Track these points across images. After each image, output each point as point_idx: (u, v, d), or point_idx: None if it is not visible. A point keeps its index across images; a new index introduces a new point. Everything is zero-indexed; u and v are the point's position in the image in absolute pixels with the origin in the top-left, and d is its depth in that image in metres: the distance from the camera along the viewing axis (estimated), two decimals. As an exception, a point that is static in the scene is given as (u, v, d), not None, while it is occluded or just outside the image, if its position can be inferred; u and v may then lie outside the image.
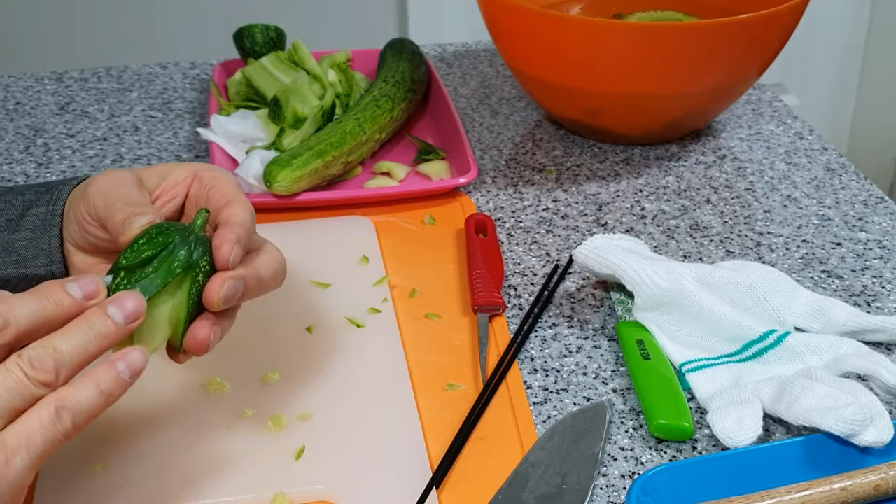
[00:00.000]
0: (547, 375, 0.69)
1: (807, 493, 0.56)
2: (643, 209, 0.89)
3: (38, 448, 0.47)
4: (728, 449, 0.60)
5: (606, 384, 0.68)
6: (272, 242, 0.61)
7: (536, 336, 0.73)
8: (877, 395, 0.64)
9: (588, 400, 0.67)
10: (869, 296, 0.77)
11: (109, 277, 0.54)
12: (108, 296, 0.53)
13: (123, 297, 0.52)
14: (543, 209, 0.89)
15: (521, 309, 0.76)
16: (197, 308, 0.56)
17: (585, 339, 0.73)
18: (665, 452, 0.63)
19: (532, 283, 0.79)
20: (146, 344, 0.54)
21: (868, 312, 0.75)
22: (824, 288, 0.78)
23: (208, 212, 0.57)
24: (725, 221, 0.87)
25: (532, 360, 0.71)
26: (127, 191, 0.58)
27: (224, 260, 0.55)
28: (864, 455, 0.59)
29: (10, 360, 0.48)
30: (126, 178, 0.60)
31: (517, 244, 0.84)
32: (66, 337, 0.49)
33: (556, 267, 0.80)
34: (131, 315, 0.52)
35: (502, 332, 0.73)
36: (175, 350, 0.57)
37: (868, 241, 0.84)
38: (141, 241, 0.54)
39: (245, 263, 0.57)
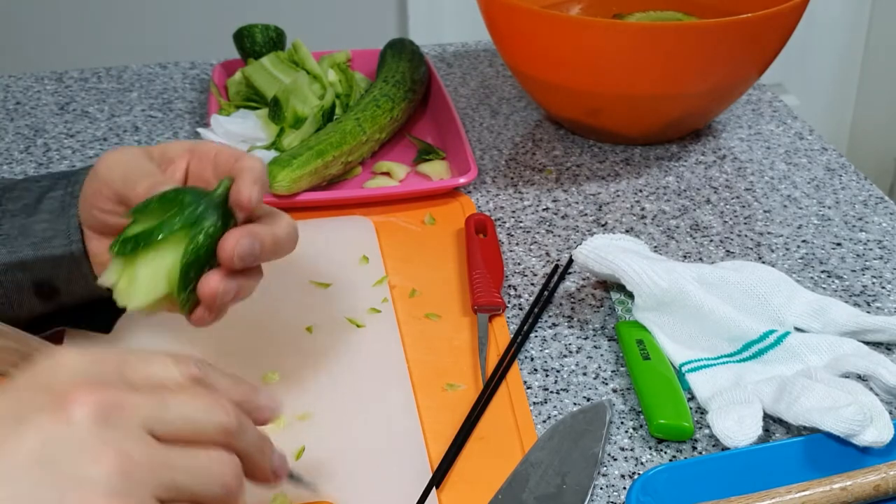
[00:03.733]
0: (547, 375, 0.69)
1: (807, 493, 0.56)
2: (643, 209, 0.89)
3: None
4: (728, 449, 0.60)
5: (606, 384, 0.68)
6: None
7: (536, 336, 0.73)
8: (877, 395, 0.63)
9: (588, 400, 0.67)
10: (869, 296, 0.77)
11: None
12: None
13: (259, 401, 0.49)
14: (543, 209, 0.89)
15: (521, 309, 0.76)
16: (202, 267, 0.55)
17: (585, 339, 0.73)
18: (665, 452, 0.63)
19: (532, 283, 0.79)
20: (143, 296, 0.54)
21: (868, 312, 0.75)
22: (824, 288, 0.78)
23: (231, 181, 0.57)
24: (725, 221, 0.87)
25: (532, 360, 0.71)
26: (143, 163, 0.59)
27: (246, 200, 0.55)
28: (864, 455, 0.59)
29: None
30: (138, 152, 0.61)
31: (517, 244, 0.84)
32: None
33: (556, 267, 0.80)
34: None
35: (502, 332, 0.73)
36: (181, 310, 0.56)
37: (868, 241, 0.84)
38: (153, 197, 0.55)
39: (260, 224, 0.57)
